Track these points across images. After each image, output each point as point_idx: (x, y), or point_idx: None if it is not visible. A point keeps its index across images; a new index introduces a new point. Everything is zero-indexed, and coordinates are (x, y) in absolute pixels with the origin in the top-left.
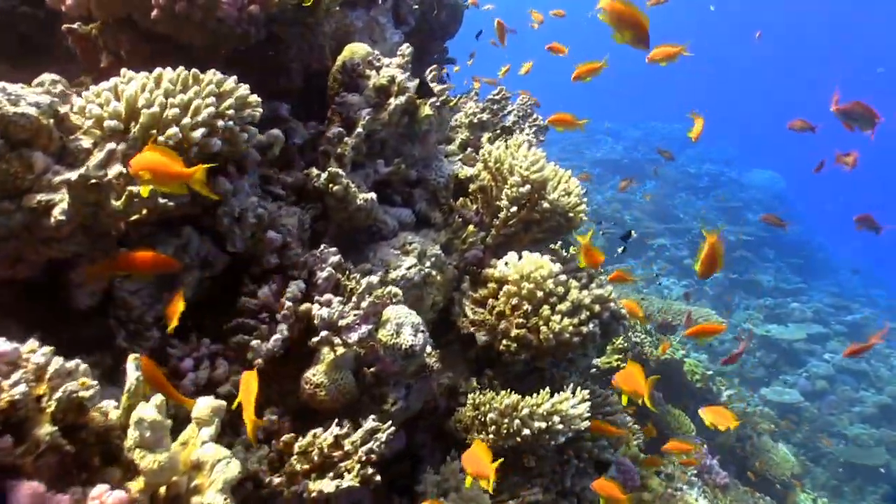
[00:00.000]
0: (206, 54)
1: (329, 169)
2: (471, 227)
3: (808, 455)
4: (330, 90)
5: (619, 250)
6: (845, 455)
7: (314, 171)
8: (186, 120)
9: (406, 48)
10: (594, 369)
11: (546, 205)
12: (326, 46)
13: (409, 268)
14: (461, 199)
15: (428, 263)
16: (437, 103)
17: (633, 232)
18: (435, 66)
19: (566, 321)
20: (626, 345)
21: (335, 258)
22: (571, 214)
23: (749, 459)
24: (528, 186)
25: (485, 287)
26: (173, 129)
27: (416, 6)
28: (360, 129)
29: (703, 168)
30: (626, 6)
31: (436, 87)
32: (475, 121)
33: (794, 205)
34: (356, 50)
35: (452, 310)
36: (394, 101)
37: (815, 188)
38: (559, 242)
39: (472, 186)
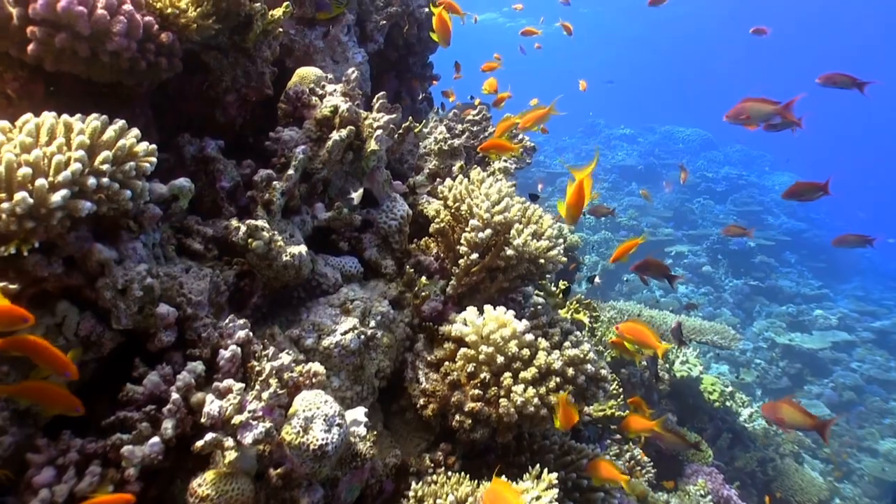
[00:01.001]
0: (119, 91)
1: (248, 221)
2: (423, 280)
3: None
4: (280, 121)
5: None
6: (875, 471)
7: (233, 223)
8: (41, 181)
9: (352, 73)
10: (586, 417)
11: (510, 251)
12: (267, 73)
13: (345, 332)
14: (424, 239)
15: (373, 323)
16: (380, 134)
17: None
18: (383, 92)
19: (530, 391)
20: (620, 390)
21: (242, 333)
22: (542, 261)
23: (773, 483)
24: (488, 231)
25: (441, 347)
26: (19, 195)
27: (384, 21)
28: (290, 172)
29: (721, 172)
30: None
31: (381, 117)
32: (445, 147)
33: (817, 207)
34: (305, 74)
35: (405, 373)
36: (335, 136)
37: (838, 190)
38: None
39: (431, 227)
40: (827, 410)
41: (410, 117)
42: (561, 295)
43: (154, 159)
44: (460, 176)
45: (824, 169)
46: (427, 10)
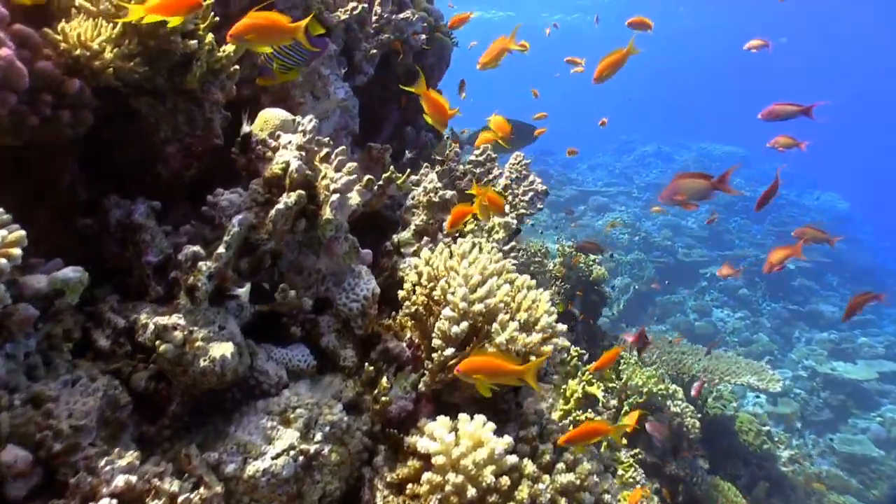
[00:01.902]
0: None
1: (156, 320)
2: (384, 383)
3: None
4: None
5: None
6: None
7: (142, 318)
8: None
9: (308, 122)
10: None
11: (491, 350)
12: (217, 119)
13: (278, 455)
14: (400, 317)
15: (319, 436)
16: (338, 199)
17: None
18: (342, 148)
19: None
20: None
21: (121, 480)
22: (533, 357)
23: None
24: (465, 324)
25: (406, 463)
26: None
27: (375, 50)
28: (221, 250)
29: (759, 191)
30: None
31: (339, 178)
32: (435, 199)
33: (860, 227)
34: (268, 118)
35: (361, 492)
36: (280, 203)
37: (883, 209)
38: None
39: (402, 311)
40: (873, 446)
41: (392, 167)
42: (574, 361)
43: (18, 251)
44: (441, 244)
45: (876, 188)
46: (424, 37)
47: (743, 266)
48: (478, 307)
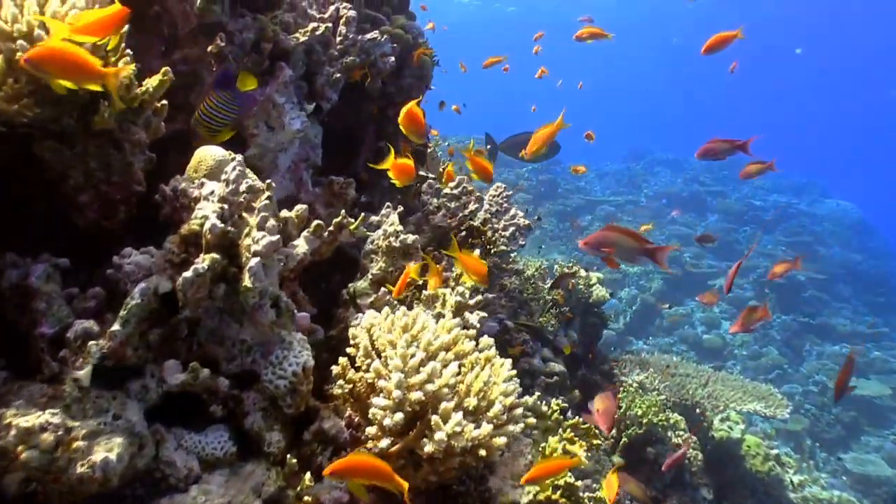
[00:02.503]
0: None
1: (18, 423)
2: (306, 480)
3: None
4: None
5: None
6: None
7: (7, 415)
8: None
9: (232, 169)
10: None
11: (431, 447)
12: (138, 163)
13: None
14: (335, 392)
15: None
16: (257, 264)
17: None
18: (264, 202)
19: None
20: None
21: None
22: (484, 452)
23: None
24: (399, 415)
25: None
26: None
27: (339, 74)
28: (116, 327)
29: (769, 199)
30: None
31: (260, 238)
32: (395, 244)
33: (875, 236)
34: (202, 158)
35: None
36: (194, 266)
37: None
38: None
39: (336, 387)
40: (886, 466)
41: (343, 210)
42: (555, 415)
43: None
44: (386, 309)
45: (891, 196)
46: (392, 59)
47: (753, 278)
48: (415, 395)
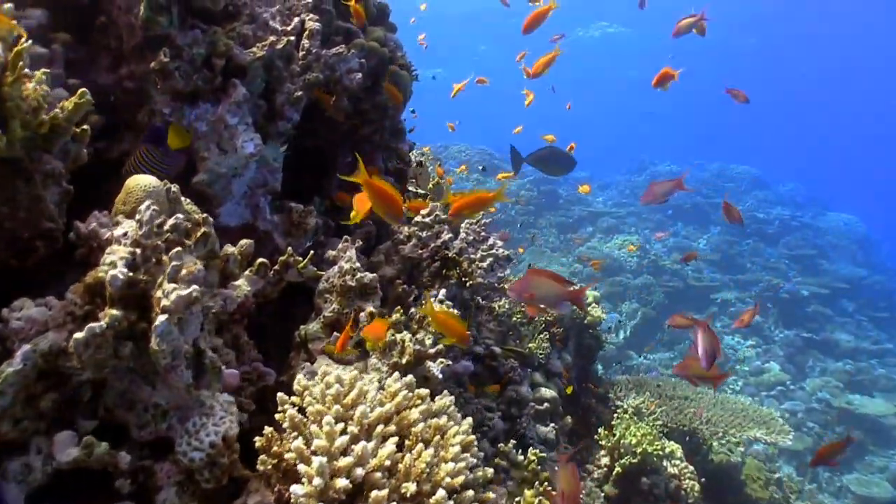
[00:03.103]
0: None
1: None
2: None
3: None
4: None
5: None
6: None
7: None
8: None
9: (147, 207)
10: None
11: None
12: (51, 197)
13: None
14: (263, 462)
15: None
16: (165, 322)
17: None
18: (175, 252)
19: None
20: None
21: None
22: None
23: None
24: None
25: None
26: None
27: (300, 92)
28: None
29: (772, 212)
30: None
31: (171, 292)
32: (351, 282)
33: (880, 251)
34: (132, 188)
35: None
36: (89, 326)
37: None
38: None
39: (260, 462)
40: (890, 488)
41: (290, 248)
42: (532, 465)
43: None
44: (324, 366)
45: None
46: (359, 76)
47: (755, 291)
48: (341, 483)
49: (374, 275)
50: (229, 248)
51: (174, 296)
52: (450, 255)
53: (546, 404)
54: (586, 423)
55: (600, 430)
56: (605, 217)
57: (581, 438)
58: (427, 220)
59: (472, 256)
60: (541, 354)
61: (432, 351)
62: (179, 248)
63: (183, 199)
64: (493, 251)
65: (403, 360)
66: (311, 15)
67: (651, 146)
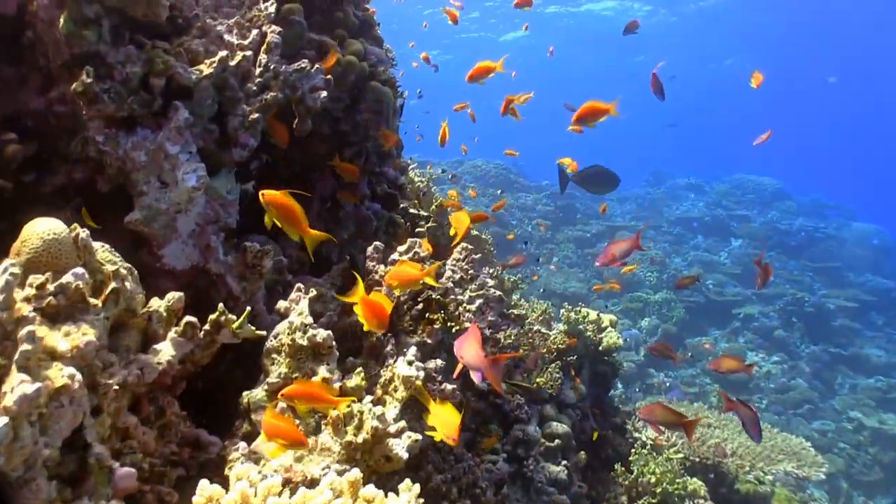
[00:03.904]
0: None
1: None
2: None
3: None
4: None
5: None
6: None
7: None
8: None
9: (3, 271)
10: None
11: None
12: None
13: None
14: None
15: None
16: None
17: None
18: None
19: None
20: None
21: None
22: None
23: None
24: None
25: None
26: None
27: (257, 114)
28: None
29: (795, 223)
30: None
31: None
32: (302, 341)
33: None
34: (27, 237)
35: None
36: None
37: None
38: None
39: None
40: None
41: (221, 304)
42: None
43: None
44: (246, 467)
45: None
46: (324, 94)
47: (779, 305)
48: None
49: (328, 333)
50: (155, 303)
51: (19, 394)
52: (433, 296)
53: (557, 441)
54: (600, 455)
55: (617, 466)
56: (623, 231)
57: (595, 473)
58: (404, 258)
59: (460, 297)
60: (551, 387)
61: (394, 428)
62: (31, 328)
63: (102, 245)
64: (484, 291)
65: (360, 439)
66: (273, 27)
67: (669, 158)
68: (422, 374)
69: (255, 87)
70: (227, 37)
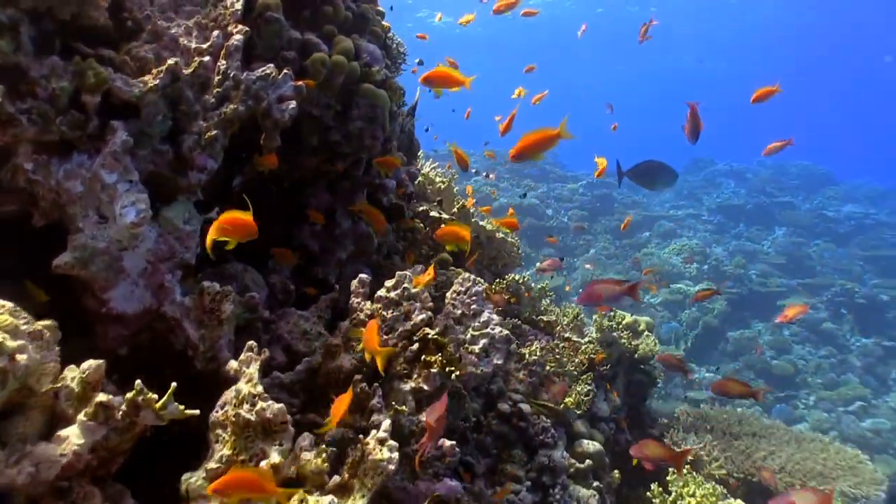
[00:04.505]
0: None
1: None
2: None
3: None
4: None
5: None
6: None
7: None
8: None
9: None
10: None
11: None
12: None
13: None
14: None
15: None
16: None
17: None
18: None
19: None
20: None
21: None
22: None
23: None
24: None
25: None
26: None
27: (216, 131)
28: None
29: (843, 210)
30: None
31: None
32: (249, 416)
33: None
34: None
35: None
36: None
37: None
38: None
39: None
40: None
41: (138, 382)
42: None
43: None
44: None
45: None
46: (293, 105)
47: (827, 296)
48: None
49: (280, 407)
50: (69, 375)
51: None
52: (431, 335)
53: (588, 461)
54: (635, 470)
55: (653, 486)
56: (661, 220)
57: (632, 490)
58: (392, 294)
59: (461, 337)
60: (582, 404)
61: None
62: None
63: (6, 304)
64: (489, 330)
65: None
66: (239, 26)
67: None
68: (396, 455)
69: (213, 100)
70: (183, 40)
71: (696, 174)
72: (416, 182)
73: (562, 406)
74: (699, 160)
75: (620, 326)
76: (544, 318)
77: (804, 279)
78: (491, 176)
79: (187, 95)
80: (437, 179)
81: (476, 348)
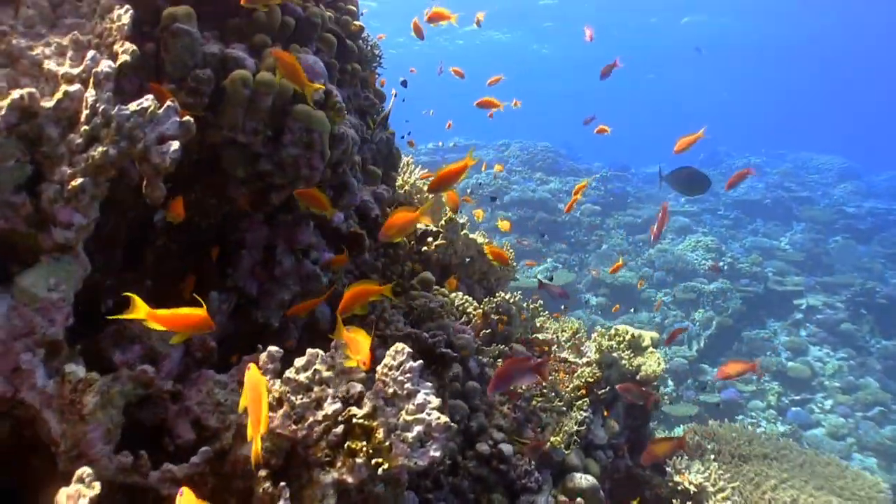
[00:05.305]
0: None
1: None
2: None
3: None
4: None
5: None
6: None
7: None
8: None
9: None
10: None
11: None
12: None
13: None
14: None
15: None
16: None
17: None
18: None
19: None
20: None
21: None
22: None
23: None
24: None
25: None
26: None
27: (82, 179)
28: None
29: (864, 206)
30: None
31: None
32: None
33: None
34: None
35: None
36: None
37: None
38: None
39: None
40: None
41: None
42: None
43: None
44: None
45: None
46: (177, 146)
47: (847, 295)
48: None
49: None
50: None
51: None
52: (357, 417)
53: (579, 499)
54: (636, 495)
55: None
56: (676, 216)
57: None
58: (301, 377)
59: (392, 421)
60: (573, 442)
61: None
62: None
63: None
64: (424, 415)
65: None
66: (126, 45)
67: (727, 136)
68: None
69: (80, 140)
70: (49, 64)
71: (714, 168)
72: (404, 191)
73: (548, 444)
74: (716, 153)
75: (622, 346)
76: (539, 336)
77: (822, 277)
78: (499, 168)
79: (49, 134)
80: (426, 188)
81: (409, 436)
